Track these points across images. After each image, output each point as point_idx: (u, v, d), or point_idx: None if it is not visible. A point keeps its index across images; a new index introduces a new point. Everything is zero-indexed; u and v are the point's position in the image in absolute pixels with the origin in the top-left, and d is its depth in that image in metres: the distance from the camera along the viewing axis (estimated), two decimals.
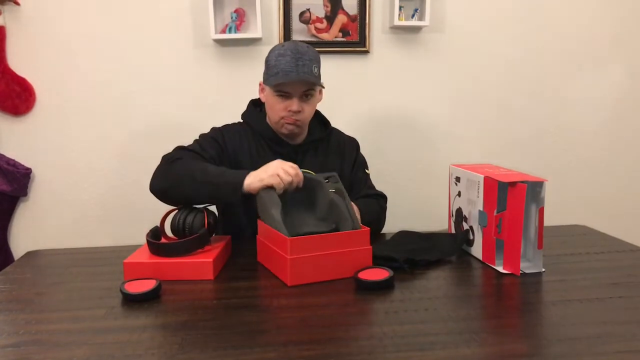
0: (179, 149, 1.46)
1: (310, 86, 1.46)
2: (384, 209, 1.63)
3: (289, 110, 1.46)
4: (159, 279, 1.15)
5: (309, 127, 1.59)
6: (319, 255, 1.17)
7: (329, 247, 1.18)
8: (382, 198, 1.65)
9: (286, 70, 1.42)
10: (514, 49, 2.21)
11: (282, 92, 1.46)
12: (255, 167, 1.36)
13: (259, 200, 1.28)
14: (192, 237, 1.24)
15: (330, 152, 1.61)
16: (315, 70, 1.46)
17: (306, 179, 1.30)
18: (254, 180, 1.28)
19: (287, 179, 1.26)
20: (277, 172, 1.27)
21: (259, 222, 1.32)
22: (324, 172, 1.38)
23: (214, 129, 1.57)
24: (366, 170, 1.68)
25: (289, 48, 1.44)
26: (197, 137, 1.53)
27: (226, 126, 1.59)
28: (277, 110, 1.48)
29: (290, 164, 1.30)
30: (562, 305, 1.03)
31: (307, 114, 1.50)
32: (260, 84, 1.55)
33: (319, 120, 1.65)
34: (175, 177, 1.35)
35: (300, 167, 1.49)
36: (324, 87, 1.54)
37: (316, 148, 1.59)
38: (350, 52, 2.12)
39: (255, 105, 1.61)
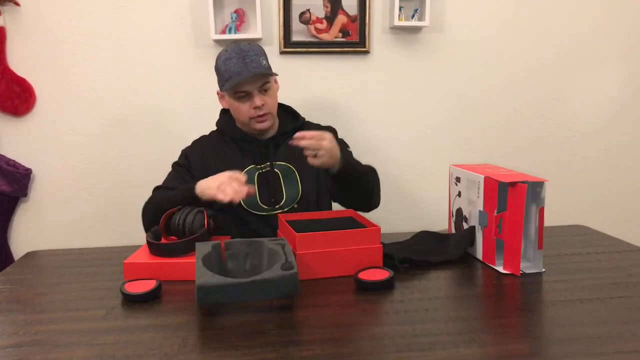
0: (154, 190, 1.56)
1: (264, 79, 1.50)
2: (376, 176, 1.60)
3: (255, 108, 1.50)
4: (159, 280, 1.15)
5: (280, 120, 1.63)
6: (327, 252, 1.18)
7: (337, 244, 1.19)
8: (373, 169, 1.61)
9: (237, 71, 1.46)
10: (514, 49, 2.21)
11: (241, 93, 1.50)
12: (223, 166, 1.43)
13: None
14: (192, 237, 1.24)
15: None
16: (264, 62, 1.50)
17: (254, 242, 1.18)
18: (203, 189, 1.37)
19: (225, 198, 1.29)
20: (219, 188, 1.32)
21: (279, 216, 1.36)
22: (300, 166, 1.47)
23: (182, 152, 1.64)
24: (348, 149, 1.66)
25: (232, 50, 1.49)
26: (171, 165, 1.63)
27: (193, 143, 1.66)
28: (243, 113, 1.53)
29: (237, 177, 1.34)
30: (562, 306, 1.03)
31: (271, 104, 1.54)
32: (218, 93, 1.60)
33: (289, 113, 1.69)
34: (151, 216, 1.45)
35: (272, 161, 1.55)
36: (277, 75, 1.56)
37: (288, 140, 1.57)
38: (350, 52, 2.12)
39: (225, 112, 1.67)
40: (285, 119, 1.66)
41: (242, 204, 1.52)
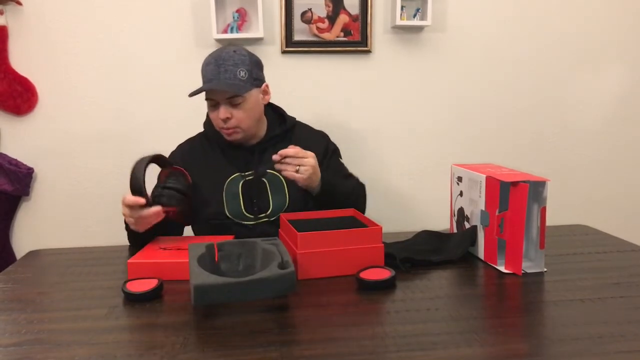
0: None
1: (231, 93, 1.41)
2: (362, 193, 1.61)
3: (221, 119, 1.44)
4: (161, 279, 1.15)
5: (268, 125, 1.57)
6: (328, 252, 1.18)
7: (339, 244, 1.19)
8: (360, 185, 1.61)
9: (208, 79, 1.40)
10: (516, 49, 2.21)
11: (212, 101, 1.44)
12: (207, 175, 1.43)
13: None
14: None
15: None
16: (242, 74, 1.41)
17: (247, 242, 1.18)
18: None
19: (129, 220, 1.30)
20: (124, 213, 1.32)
21: (281, 216, 1.35)
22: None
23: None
24: (339, 159, 1.63)
25: (213, 56, 1.42)
26: None
27: (177, 148, 1.61)
28: (213, 121, 1.48)
29: (130, 202, 1.29)
30: (563, 305, 1.03)
31: (239, 119, 1.44)
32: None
33: (278, 115, 1.62)
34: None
35: (257, 167, 1.51)
36: (246, 93, 1.43)
37: (275, 145, 1.53)
38: (352, 52, 2.12)
39: None
40: (273, 122, 1.58)
41: (227, 213, 1.48)
